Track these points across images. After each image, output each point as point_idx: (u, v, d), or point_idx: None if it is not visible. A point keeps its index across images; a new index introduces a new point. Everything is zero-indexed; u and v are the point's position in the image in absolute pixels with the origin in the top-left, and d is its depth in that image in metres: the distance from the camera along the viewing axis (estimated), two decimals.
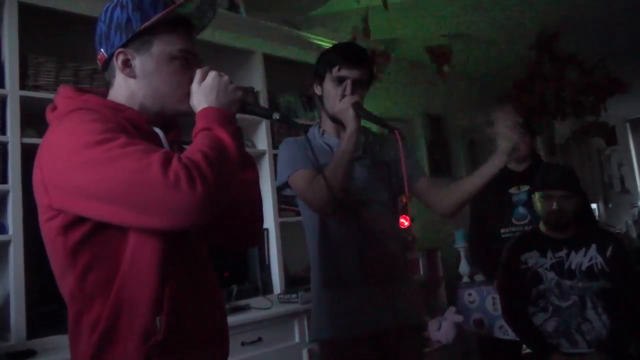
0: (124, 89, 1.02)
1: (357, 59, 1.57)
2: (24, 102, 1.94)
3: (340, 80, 1.54)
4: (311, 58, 3.01)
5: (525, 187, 2.48)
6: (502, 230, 2.53)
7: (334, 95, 1.54)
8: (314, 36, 3.04)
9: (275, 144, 2.73)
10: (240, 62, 2.79)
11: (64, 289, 0.94)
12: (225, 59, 2.69)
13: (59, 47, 2.17)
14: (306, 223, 1.64)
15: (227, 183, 0.90)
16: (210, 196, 0.83)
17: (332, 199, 1.42)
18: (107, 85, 1.05)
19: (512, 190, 2.54)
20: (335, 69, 1.54)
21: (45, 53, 2.07)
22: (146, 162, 0.82)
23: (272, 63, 2.85)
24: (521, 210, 2.51)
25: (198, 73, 1.02)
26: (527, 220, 2.47)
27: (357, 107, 1.49)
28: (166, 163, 0.82)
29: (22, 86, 1.96)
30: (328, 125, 1.64)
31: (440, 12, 3.50)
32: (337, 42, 1.69)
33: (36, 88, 2.00)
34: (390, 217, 1.67)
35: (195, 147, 0.89)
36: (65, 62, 2.10)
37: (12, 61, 1.94)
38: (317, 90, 1.63)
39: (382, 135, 1.67)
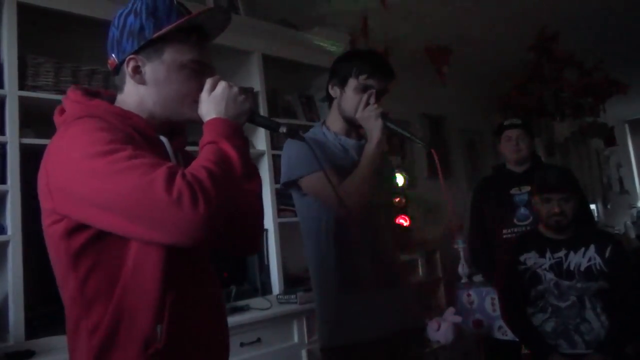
0: (133, 95, 1.02)
1: (386, 71, 1.60)
2: (23, 103, 1.94)
3: (364, 89, 1.56)
4: (310, 59, 3.02)
5: (527, 188, 2.48)
6: (504, 231, 2.53)
7: (357, 101, 1.56)
8: (313, 36, 3.04)
9: (274, 145, 2.73)
10: (239, 62, 2.78)
11: (65, 293, 0.94)
12: (224, 59, 2.69)
13: (58, 48, 2.17)
14: (311, 226, 1.60)
15: (231, 200, 0.90)
16: (212, 215, 0.83)
17: (364, 201, 1.46)
18: (116, 89, 1.05)
19: (514, 191, 2.54)
20: (362, 77, 1.55)
21: (44, 53, 2.07)
22: (150, 177, 0.82)
23: (271, 63, 2.85)
24: (523, 211, 2.51)
25: (208, 82, 1.02)
26: (529, 221, 2.47)
27: (386, 118, 1.52)
28: (170, 180, 0.82)
29: (21, 86, 1.96)
30: (339, 126, 1.64)
31: (439, 12, 3.50)
32: (363, 49, 1.72)
33: (35, 88, 2.00)
34: (393, 220, 1.68)
35: (200, 163, 0.89)
36: (64, 63, 2.10)
37: (11, 61, 1.93)
38: (334, 91, 1.63)
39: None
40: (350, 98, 1.57)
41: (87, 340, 0.90)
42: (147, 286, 0.90)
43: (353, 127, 1.60)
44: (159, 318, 0.90)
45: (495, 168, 2.85)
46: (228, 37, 2.59)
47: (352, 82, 1.57)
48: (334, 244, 1.55)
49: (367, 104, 1.55)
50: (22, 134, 1.92)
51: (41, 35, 2.13)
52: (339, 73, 1.61)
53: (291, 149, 1.59)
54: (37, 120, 1.94)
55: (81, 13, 2.09)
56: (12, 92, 1.92)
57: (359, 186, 1.46)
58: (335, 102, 1.64)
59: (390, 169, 1.70)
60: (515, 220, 2.52)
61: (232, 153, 0.93)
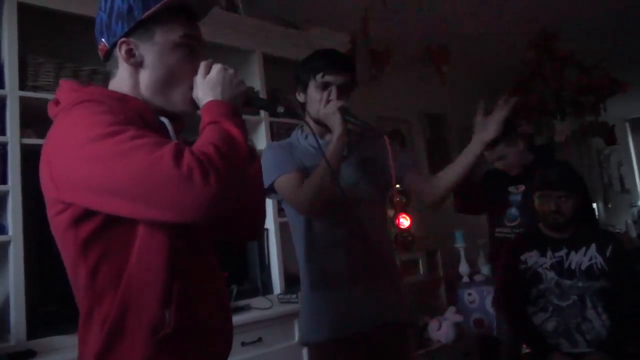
0: (127, 79, 1.00)
1: (341, 65, 1.58)
2: (24, 103, 1.93)
3: (324, 86, 1.56)
4: None
5: (522, 187, 2.42)
6: (497, 230, 2.49)
7: (319, 100, 1.56)
8: (313, 35, 3.04)
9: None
10: (239, 61, 2.78)
11: (76, 284, 0.93)
12: (224, 58, 2.67)
13: (59, 48, 2.17)
14: (293, 225, 1.64)
15: (239, 176, 0.89)
16: (223, 189, 0.82)
17: (319, 200, 1.45)
18: (108, 75, 1.04)
19: (511, 189, 2.48)
20: (319, 75, 1.56)
21: (44, 53, 2.07)
22: (158, 154, 0.80)
23: (271, 63, 2.85)
24: (513, 211, 2.44)
25: (202, 66, 1.01)
26: (516, 223, 2.40)
27: (344, 111, 1.51)
28: (178, 156, 0.81)
29: (22, 87, 1.96)
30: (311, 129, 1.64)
31: (439, 12, 3.50)
32: (319, 49, 1.70)
33: (35, 88, 2.00)
34: (378, 215, 1.67)
35: (206, 140, 0.88)
36: (65, 63, 2.10)
37: (11, 62, 1.93)
38: (300, 97, 1.64)
39: (363, 133, 1.68)
40: (312, 99, 1.59)
41: (99, 330, 0.89)
42: (153, 273, 0.90)
43: (324, 127, 1.60)
44: (166, 303, 0.90)
45: (487, 173, 2.62)
46: (228, 36, 2.63)
47: (312, 84, 1.58)
48: (307, 243, 1.57)
49: (328, 101, 1.55)
50: (23, 134, 1.92)
51: (42, 35, 2.13)
52: (300, 78, 1.62)
53: (265, 156, 1.62)
54: (38, 120, 1.93)
55: (82, 13, 2.09)
56: (12, 92, 1.92)
57: (319, 183, 1.45)
58: (305, 108, 1.65)
59: (375, 160, 1.68)
60: (505, 221, 2.45)
61: (235, 131, 0.92)
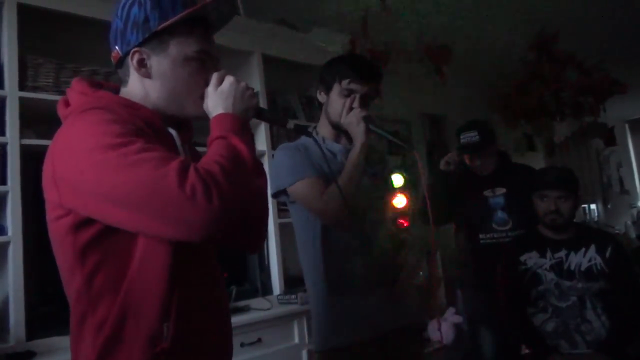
0: (138, 88, 1.00)
1: (370, 75, 1.58)
2: (23, 103, 1.93)
3: (348, 93, 1.56)
4: (310, 59, 3.02)
5: (502, 190, 2.34)
6: (481, 236, 2.36)
7: (341, 106, 1.56)
8: (313, 37, 3.04)
9: (274, 144, 2.73)
10: (238, 63, 2.78)
11: (70, 289, 0.92)
12: (223, 59, 2.66)
13: (58, 48, 2.17)
14: (305, 230, 1.61)
15: (243, 195, 0.89)
16: (226, 210, 0.82)
17: (347, 211, 1.42)
18: (120, 82, 1.04)
19: (487, 193, 2.36)
20: (345, 82, 1.55)
21: (44, 54, 2.07)
22: (163, 171, 0.80)
23: (270, 64, 2.85)
24: (500, 214, 2.33)
25: (214, 77, 1.01)
26: (508, 226, 2.31)
27: (369, 122, 1.52)
28: (183, 174, 0.80)
29: (22, 87, 1.96)
30: (327, 131, 1.64)
31: (439, 12, 3.50)
32: (346, 53, 1.71)
33: (35, 89, 2.00)
34: (388, 221, 1.68)
35: (212, 158, 0.88)
36: (65, 63, 2.09)
37: (11, 62, 1.93)
38: (321, 97, 1.63)
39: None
40: (334, 103, 1.58)
41: (93, 337, 0.89)
42: (153, 283, 0.89)
43: (341, 132, 1.60)
44: (166, 316, 0.89)
45: (451, 177, 2.40)
46: (228, 37, 2.63)
47: (336, 88, 1.58)
48: (324, 248, 1.55)
49: (351, 108, 1.55)
50: (23, 134, 1.92)
51: (41, 36, 2.12)
52: (324, 79, 1.62)
53: (279, 157, 1.60)
54: (38, 120, 1.94)
55: (81, 14, 2.09)
56: (12, 92, 1.92)
57: (338, 195, 1.42)
58: (323, 108, 1.64)
59: (387, 170, 1.70)
60: (493, 225, 2.34)
61: (242, 148, 0.91)
